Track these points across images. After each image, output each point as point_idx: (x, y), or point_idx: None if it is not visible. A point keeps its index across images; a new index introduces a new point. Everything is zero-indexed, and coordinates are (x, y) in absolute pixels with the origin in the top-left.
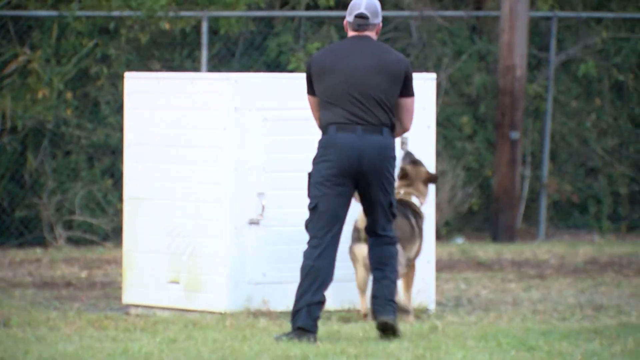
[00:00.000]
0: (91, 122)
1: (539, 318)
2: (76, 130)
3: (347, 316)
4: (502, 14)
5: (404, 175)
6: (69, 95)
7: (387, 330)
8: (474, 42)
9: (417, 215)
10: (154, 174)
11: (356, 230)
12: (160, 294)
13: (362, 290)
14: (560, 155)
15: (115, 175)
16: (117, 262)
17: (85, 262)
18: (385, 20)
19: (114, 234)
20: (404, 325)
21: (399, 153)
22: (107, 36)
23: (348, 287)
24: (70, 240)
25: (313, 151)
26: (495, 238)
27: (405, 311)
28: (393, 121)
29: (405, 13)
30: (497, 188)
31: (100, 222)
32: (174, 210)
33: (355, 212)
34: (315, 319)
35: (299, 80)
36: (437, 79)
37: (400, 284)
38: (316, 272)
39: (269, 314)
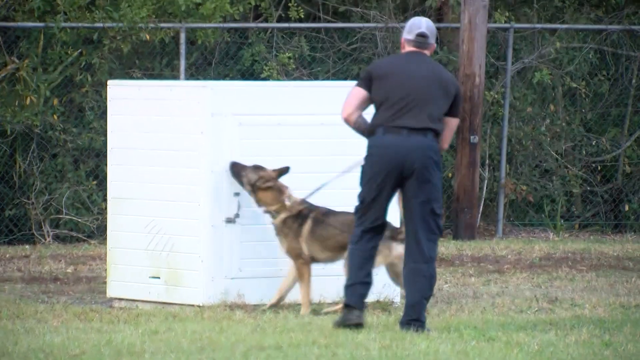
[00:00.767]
0: (76, 127)
1: (498, 310)
2: (62, 134)
3: (318, 308)
4: (462, 26)
5: None
6: (55, 101)
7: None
8: (435, 52)
9: None
10: (136, 176)
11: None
12: (142, 288)
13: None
14: (517, 157)
15: (99, 176)
16: (102, 258)
17: (71, 258)
18: (352, 31)
19: (99, 232)
20: (372, 317)
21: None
22: (91, 46)
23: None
24: (57, 238)
25: (285, 154)
26: (456, 235)
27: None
28: (439, 131)
29: (371, 25)
30: (458, 188)
31: (85, 220)
32: (155, 210)
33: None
34: (361, 296)
35: (272, 87)
36: None
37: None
38: (360, 255)
39: (244, 307)
